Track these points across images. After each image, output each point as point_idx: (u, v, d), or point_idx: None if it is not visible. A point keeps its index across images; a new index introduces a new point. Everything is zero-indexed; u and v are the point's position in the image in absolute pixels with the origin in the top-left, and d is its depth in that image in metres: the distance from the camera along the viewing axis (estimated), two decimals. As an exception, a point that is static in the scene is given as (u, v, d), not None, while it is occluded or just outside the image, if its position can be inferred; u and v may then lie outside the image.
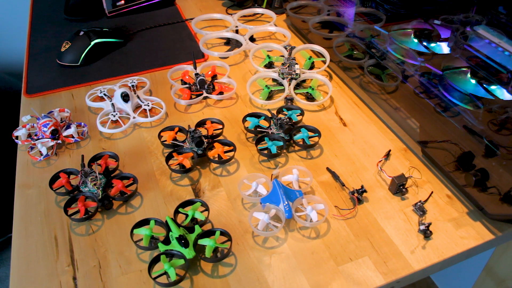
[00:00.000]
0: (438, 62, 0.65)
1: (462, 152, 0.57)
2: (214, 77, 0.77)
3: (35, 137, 0.65)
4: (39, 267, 0.50)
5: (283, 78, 0.74)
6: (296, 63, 0.75)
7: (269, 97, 0.73)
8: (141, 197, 0.57)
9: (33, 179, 0.61)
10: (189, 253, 0.48)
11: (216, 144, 0.62)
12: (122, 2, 1.01)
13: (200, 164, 0.62)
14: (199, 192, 0.58)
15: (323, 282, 0.47)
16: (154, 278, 0.46)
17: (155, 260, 0.48)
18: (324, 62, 0.78)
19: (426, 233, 0.51)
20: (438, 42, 0.70)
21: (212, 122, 0.66)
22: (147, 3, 1.02)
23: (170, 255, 0.49)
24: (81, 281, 0.48)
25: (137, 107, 0.71)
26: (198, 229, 0.50)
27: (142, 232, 0.50)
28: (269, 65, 0.79)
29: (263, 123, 0.66)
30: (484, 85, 0.59)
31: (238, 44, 0.87)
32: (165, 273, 0.47)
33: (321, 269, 0.48)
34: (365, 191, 0.56)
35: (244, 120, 0.67)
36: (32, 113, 0.70)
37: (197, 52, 0.86)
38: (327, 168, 0.60)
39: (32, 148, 0.64)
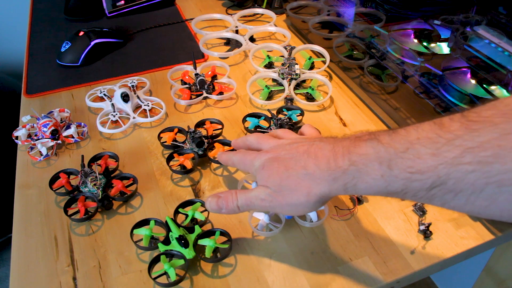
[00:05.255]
0: (438, 62, 0.65)
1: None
2: (214, 77, 0.77)
3: (35, 137, 0.65)
4: (39, 267, 0.50)
5: (283, 78, 0.74)
6: (296, 63, 0.75)
7: (269, 97, 0.73)
8: (141, 197, 0.57)
9: (33, 179, 0.61)
10: (189, 253, 0.48)
11: (216, 144, 0.62)
12: (122, 2, 1.01)
13: (200, 164, 0.62)
14: (199, 192, 0.58)
15: (323, 282, 0.47)
16: (154, 278, 0.46)
17: (155, 260, 0.48)
18: (324, 62, 0.78)
19: (426, 233, 0.51)
20: (438, 42, 0.70)
21: (211, 123, 0.66)
22: (147, 3, 1.02)
23: (170, 255, 0.49)
24: (81, 281, 0.48)
25: (137, 107, 0.71)
26: (198, 229, 0.50)
27: (142, 232, 0.50)
28: (269, 65, 0.79)
29: (263, 123, 0.66)
30: (484, 85, 0.59)
31: (238, 44, 0.87)
32: (165, 273, 0.47)
33: (321, 269, 0.48)
34: (365, 191, 0.56)
35: (244, 120, 0.67)
36: (32, 113, 0.70)
37: (197, 52, 0.86)
38: (327, 168, 0.60)
39: (32, 148, 0.64)
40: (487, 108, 0.32)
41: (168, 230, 0.50)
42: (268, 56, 0.79)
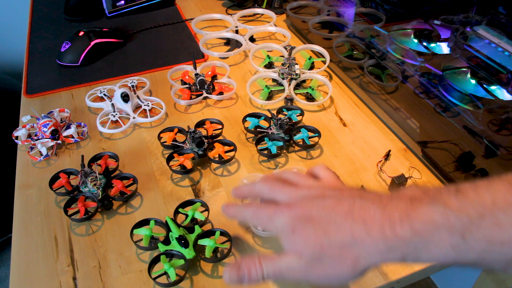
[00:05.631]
0: (438, 62, 0.65)
1: (462, 152, 0.57)
2: (214, 77, 0.77)
3: (35, 137, 0.65)
4: (39, 267, 0.50)
5: (283, 78, 0.74)
6: (296, 63, 0.75)
7: (269, 97, 0.73)
8: (141, 197, 0.57)
9: (33, 179, 0.61)
10: (189, 253, 0.48)
11: (216, 144, 0.62)
12: (122, 2, 1.01)
13: (200, 164, 0.62)
14: (199, 192, 0.58)
15: (323, 282, 0.47)
16: (154, 278, 0.46)
17: (155, 260, 0.48)
18: (324, 62, 0.78)
19: (426, 233, 0.51)
20: (438, 42, 0.70)
21: (211, 123, 0.66)
22: (147, 3, 1.02)
23: (170, 255, 0.49)
24: (81, 281, 0.48)
25: (137, 107, 0.71)
26: (198, 229, 0.50)
27: (142, 232, 0.50)
28: (269, 65, 0.79)
29: (263, 123, 0.66)
30: (484, 85, 0.59)
31: (238, 44, 0.87)
32: (165, 273, 0.47)
33: (321, 269, 0.48)
34: (365, 191, 0.56)
35: (244, 120, 0.67)
36: (32, 113, 0.70)
37: (197, 52, 0.86)
38: (327, 168, 0.60)
39: (32, 148, 0.64)
40: None
41: (168, 230, 0.50)
42: (268, 56, 0.79)
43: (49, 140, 0.64)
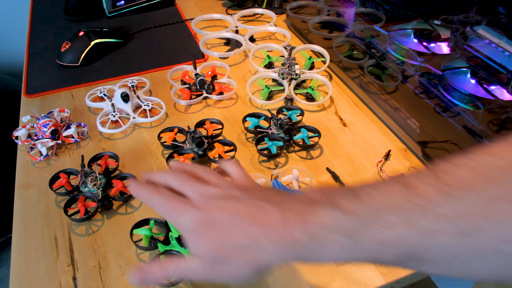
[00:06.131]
0: (438, 62, 0.65)
1: (462, 152, 0.57)
2: (214, 77, 0.77)
3: (35, 137, 0.65)
4: (39, 267, 0.50)
5: (283, 78, 0.74)
6: (296, 63, 0.75)
7: (269, 97, 0.73)
8: (141, 197, 0.57)
9: (33, 179, 0.61)
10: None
11: (216, 144, 0.62)
12: (122, 2, 1.01)
13: (200, 164, 0.62)
14: (199, 192, 0.58)
15: (323, 282, 0.47)
16: (154, 278, 0.46)
17: (155, 260, 0.48)
18: (324, 62, 0.78)
19: (426, 233, 0.51)
20: (438, 42, 0.70)
21: (211, 123, 0.66)
22: (147, 3, 1.02)
23: (170, 255, 0.48)
24: (81, 281, 0.48)
25: (137, 107, 0.71)
26: (198, 229, 0.50)
27: (142, 232, 0.50)
28: (269, 65, 0.79)
29: (263, 123, 0.66)
30: (484, 85, 0.59)
31: (238, 44, 0.87)
32: (165, 273, 0.47)
33: (321, 269, 0.48)
34: (365, 191, 0.55)
35: (244, 120, 0.67)
36: (32, 113, 0.70)
37: (197, 52, 0.86)
38: (327, 168, 0.60)
39: (32, 148, 0.64)
40: (465, 169, 0.30)
41: (168, 230, 0.50)
42: (268, 56, 0.79)
43: (49, 140, 0.64)
